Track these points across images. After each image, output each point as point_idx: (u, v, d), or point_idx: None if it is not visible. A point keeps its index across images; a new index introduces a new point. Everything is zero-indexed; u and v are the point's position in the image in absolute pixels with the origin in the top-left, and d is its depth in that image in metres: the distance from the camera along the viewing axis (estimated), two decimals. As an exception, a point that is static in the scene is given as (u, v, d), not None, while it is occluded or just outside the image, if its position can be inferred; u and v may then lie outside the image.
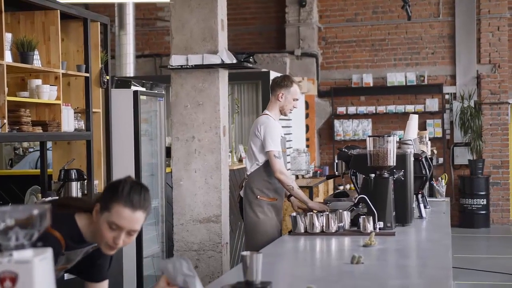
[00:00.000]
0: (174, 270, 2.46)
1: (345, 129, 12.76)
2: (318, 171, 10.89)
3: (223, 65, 5.68)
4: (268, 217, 5.10)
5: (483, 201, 12.05)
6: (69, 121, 5.18)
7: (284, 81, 5.23)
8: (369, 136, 4.40)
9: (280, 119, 9.15)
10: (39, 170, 5.67)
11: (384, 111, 12.57)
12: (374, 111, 12.61)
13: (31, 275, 1.70)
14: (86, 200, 2.71)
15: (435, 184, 6.35)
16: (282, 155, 5.05)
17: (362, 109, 12.67)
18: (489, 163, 12.35)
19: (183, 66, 5.66)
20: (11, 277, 1.70)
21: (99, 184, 5.75)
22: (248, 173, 5.19)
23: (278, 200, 5.20)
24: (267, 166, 5.12)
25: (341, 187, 12.26)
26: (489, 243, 11.21)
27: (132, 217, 2.52)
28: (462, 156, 12.39)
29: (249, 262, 2.70)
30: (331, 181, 11.13)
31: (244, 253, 2.71)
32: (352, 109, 12.71)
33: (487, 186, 12.14)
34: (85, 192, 5.50)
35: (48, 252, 1.78)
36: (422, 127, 12.17)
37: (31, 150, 8.64)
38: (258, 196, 5.11)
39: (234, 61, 5.71)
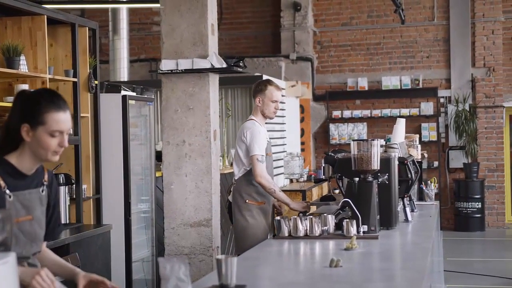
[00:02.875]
0: (170, 271, 2.50)
1: (340, 133, 12.78)
2: (313, 175, 10.90)
3: (213, 70, 5.70)
4: (257, 220, 5.16)
5: (478, 205, 12.05)
6: (56, 126, 5.20)
7: (259, 86, 5.36)
8: (353, 140, 4.42)
9: (272, 123, 9.17)
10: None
11: (379, 115, 12.59)
12: (369, 115, 12.62)
13: (-8, 279, 1.72)
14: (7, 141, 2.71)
15: (424, 188, 6.36)
16: (265, 160, 5.12)
17: (357, 113, 12.69)
18: (484, 166, 12.36)
19: (173, 71, 5.68)
20: (-29, 281, 1.72)
21: (87, 189, 5.77)
22: (236, 178, 5.28)
23: (266, 204, 5.25)
24: None
25: (337, 191, 12.28)
26: (484, 247, 11.21)
27: (66, 118, 2.69)
28: (457, 160, 12.40)
29: (224, 266, 2.72)
30: (325, 185, 11.14)
31: (219, 257, 2.73)
32: (347, 113, 12.73)
33: (482, 189, 12.15)
34: (74, 196, 5.52)
35: (11, 257, 1.80)
36: (417, 130, 12.20)
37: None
38: (247, 201, 5.20)
39: (224, 65, 5.73)
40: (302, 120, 12.28)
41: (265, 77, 9.76)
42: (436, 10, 12.58)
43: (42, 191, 2.77)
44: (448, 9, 12.50)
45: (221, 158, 7.92)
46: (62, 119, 2.66)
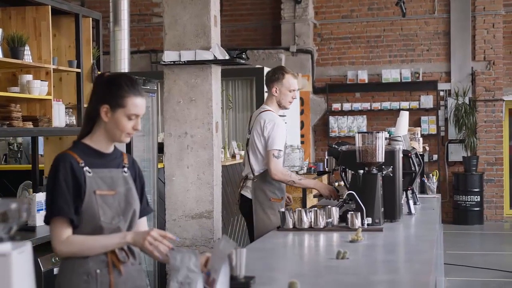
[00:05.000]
0: (181, 262, 2.52)
1: (340, 126, 12.78)
2: (313, 168, 10.91)
3: (215, 61, 5.70)
4: (278, 217, 5.00)
5: (477, 198, 12.08)
6: (60, 117, 5.20)
7: (275, 74, 5.12)
8: (358, 133, 4.41)
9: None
10: (30, 166, 5.68)
11: (379, 108, 12.59)
12: (369, 108, 12.63)
13: (9, 268, 1.72)
14: (85, 126, 2.90)
15: (426, 181, 6.37)
16: (282, 155, 4.93)
17: (357, 105, 12.70)
18: (483, 160, 12.38)
19: (176, 62, 5.67)
20: (-11, 270, 1.72)
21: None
22: (256, 174, 5.05)
23: (283, 199, 5.17)
24: None
25: (336, 184, 12.29)
26: (483, 240, 11.25)
27: (143, 103, 2.84)
28: (457, 153, 12.42)
29: (233, 257, 2.72)
30: (325, 177, 11.16)
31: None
32: (347, 106, 12.73)
33: (481, 183, 12.17)
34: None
35: (27, 246, 1.80)
36: (416, 123, 12.21)
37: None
38: (271, 199, 5.01)
39: (227, 57, 5.72)
40: (302, 112, 12.28)
41: (267, 69, 9.77)
42: (437, 3, 12.57)
43: (125, 172, 2.90)
44: (449, 2, 12.50)
45: (222, 150, 7.92)
46: (140, 104, 2.81)
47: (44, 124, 4.99)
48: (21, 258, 1.76)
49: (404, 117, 5.48)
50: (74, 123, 5.48)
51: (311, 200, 9.18)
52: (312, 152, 12.82)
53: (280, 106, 5.15)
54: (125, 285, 2.82)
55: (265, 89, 9.71)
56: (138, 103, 2.80)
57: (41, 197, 5.04)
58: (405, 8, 10.39)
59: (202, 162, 5.69)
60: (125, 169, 2.90)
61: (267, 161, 4.93)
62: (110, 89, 2.81)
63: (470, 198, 12.07)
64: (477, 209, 12.11)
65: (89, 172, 2.77)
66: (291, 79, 5.11)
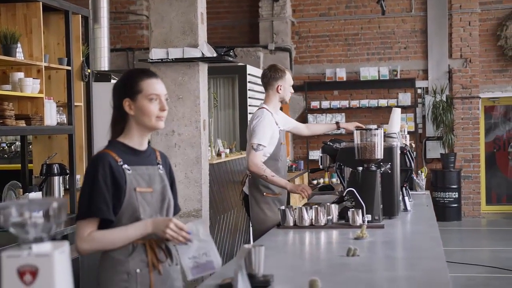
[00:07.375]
0: (191, 235, 2.56)
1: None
2: (293, 166, 10.93)
3: (203, 59, 5.67)
4: (275, 213, 4.94)
5: (454, 195, 12.19)
6: (51, 115, 5.12)
7: (278, 73, 5.20)
8: (357, 129, 4.41)
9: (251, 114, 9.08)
10: (19, 165, 5.58)
11: (358, 106, 12.63)
12: (347, 106, 12.67)
13: (52, 268, 1.69)
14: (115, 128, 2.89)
15: (415, 178, 6.40)
16: (262, 149, 4.99)
17: (336, 103, 12.73)
18: (460, 156, 12.50)
19: (163, 60, 5.63)
20: (31, 271, 1.68)
21: (81, 179, 5.68)
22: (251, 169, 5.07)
23: (282, 195, 5.16)
24: (270, 162, 5.05)
25: (315, 182, 12.31)
26: (461, 236, 11.35)
27: (159, 82, 2.84)
28: (434, 150, 12.52)
29: (252, 255, 2.70)
30: (305, 175, 11.19)
31: (247, 246, 2.71)
32: (325, 104, 12.76)
33: (459, 179, 12.29)
34: (67, 187, 5.44)
35: (66, 246, 1.76)
36: (395, 121, 12.26)
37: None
38: (265, 193, 5.07)
39: (215, 54, 5.70)
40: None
41: (249, 67, 9.76)
42: (414, 1, 12.66)
43: (160, 169, 2.88)
44: (426, 1, 12.59)
45: (208, 148, 7.87)
46: (156, 84, 2.81)
47: (36, 123, 4.91)
48: (61, 258, 1.73)
49: (397, 114, 5.49)
50: (65, 121, 5.39)
51: (294, 198, 9.18)
52: (291, 150, 12.83)
53: (282, 102, 5.27)
54: (164, 285, 2.80)
55: (247, 87, 9.68)
56: (153, 83, 2.80)
57: (33, 197, 4.96)
58: (385, 6, 10.43)
59: (190, 161, 5.67)
60: (160, 166, 2.89)
61: (246, 153, 5.03)
62: (124, 84, 2.84)
63: (448, 194, 12.18)
64: (455, 205, 12.23)
65: (129, 170, 2.77)
66: (289, 75, 5.28)
